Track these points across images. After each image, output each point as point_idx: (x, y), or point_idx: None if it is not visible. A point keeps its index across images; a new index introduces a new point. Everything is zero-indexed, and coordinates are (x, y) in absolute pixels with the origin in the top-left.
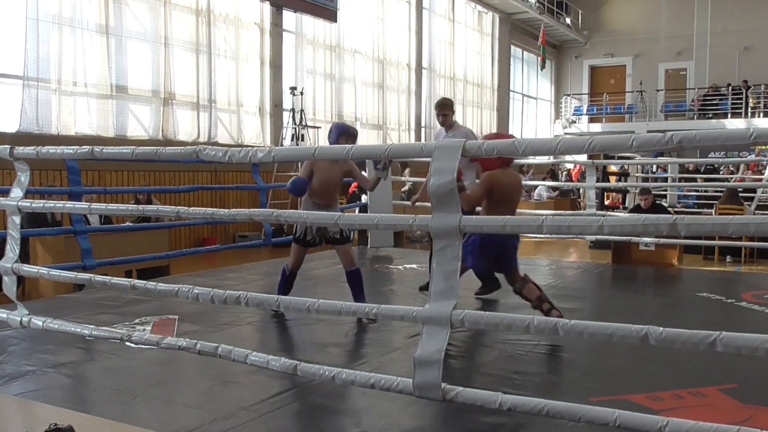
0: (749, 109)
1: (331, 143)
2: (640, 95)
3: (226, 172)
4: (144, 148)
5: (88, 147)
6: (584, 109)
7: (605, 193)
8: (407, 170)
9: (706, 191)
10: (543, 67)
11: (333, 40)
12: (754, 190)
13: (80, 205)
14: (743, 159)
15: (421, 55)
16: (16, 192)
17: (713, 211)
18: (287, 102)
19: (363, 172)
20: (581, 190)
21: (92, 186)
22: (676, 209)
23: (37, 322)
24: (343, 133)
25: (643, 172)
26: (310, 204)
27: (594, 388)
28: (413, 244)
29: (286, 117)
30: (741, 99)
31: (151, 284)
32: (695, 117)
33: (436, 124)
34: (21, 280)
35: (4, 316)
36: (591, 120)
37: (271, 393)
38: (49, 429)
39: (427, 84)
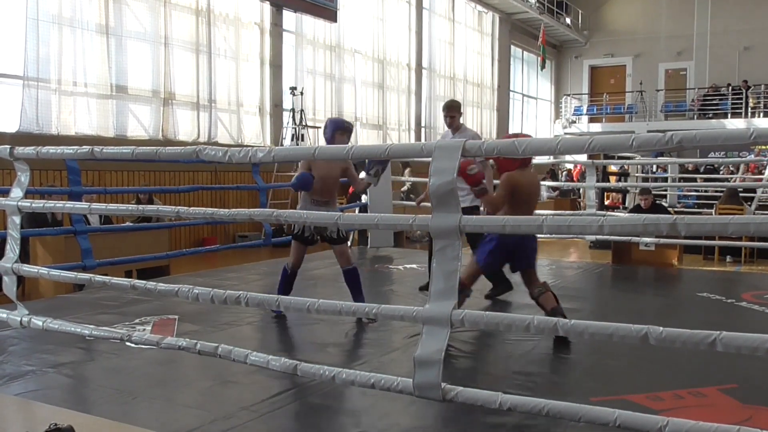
0: (749, 109)
1: (327, 139)
2: (640, 95)
3: (226, 172)
4: (144, 148)
5: (88, 147)
6: (584, 109)
7: (605, 193)
8: (407, 170)
9: (706, 191)
10: (543, 67)
11: (333, 40)
12: (754, 190)
13: (80, 205)
14: (743, 159)
15: (421, 55)
16: (16, 192)
17: (713, 211)
18: (287, 102)
19: (362, 173)
20: (581, 190)
21: (92, 186)
22: (676, 209)
23: (37, 322)
24: (339, 128)
25: (643, 172)
26: (308, 201)
27: (594, 388)
28: (413, 244)
29: (286, 117)
30: (741, 99)
31: (151, 284)
32: (695, 117)
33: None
34: (21, 280)
35: (4, 316)
36: (591, 120)
37: (271, 393)
38: (49, 429)
39: (427, 84)
